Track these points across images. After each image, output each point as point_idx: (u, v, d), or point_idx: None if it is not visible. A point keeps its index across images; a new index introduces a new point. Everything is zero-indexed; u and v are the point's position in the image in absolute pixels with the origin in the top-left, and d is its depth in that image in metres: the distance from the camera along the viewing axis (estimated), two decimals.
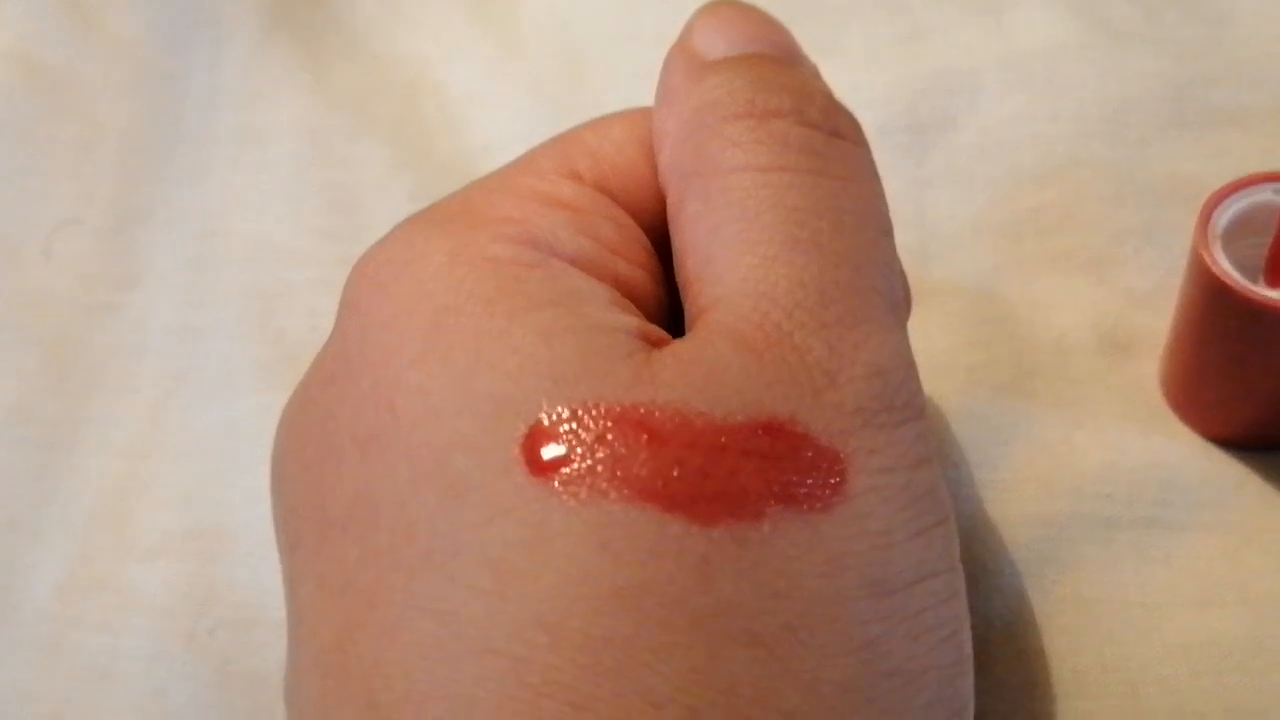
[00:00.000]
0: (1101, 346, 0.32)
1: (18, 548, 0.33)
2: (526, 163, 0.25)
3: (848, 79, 0.38)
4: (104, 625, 0.31)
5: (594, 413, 0.20)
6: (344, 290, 0.24)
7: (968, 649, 0.21)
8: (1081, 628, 0.28)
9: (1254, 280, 0.28)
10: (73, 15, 0.43)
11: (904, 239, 0.35)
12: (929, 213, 0.36)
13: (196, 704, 0.30)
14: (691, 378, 0.20)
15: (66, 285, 0.38)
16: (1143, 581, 0.29)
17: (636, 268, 0.24)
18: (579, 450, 0.20)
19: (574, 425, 0.20)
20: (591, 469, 0.19)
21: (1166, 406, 0.31)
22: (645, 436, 0.20)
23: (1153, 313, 0.32)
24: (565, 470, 0.19)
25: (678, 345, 0.21)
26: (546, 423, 0.20)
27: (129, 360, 0.36)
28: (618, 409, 0.20)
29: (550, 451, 0.20)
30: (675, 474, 0.19)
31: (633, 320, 0.22)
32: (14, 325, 0.37)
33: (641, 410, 0.20)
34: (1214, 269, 0.28)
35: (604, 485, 0.19)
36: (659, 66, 0.27)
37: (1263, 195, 0.29)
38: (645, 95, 0.27)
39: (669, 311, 0.24)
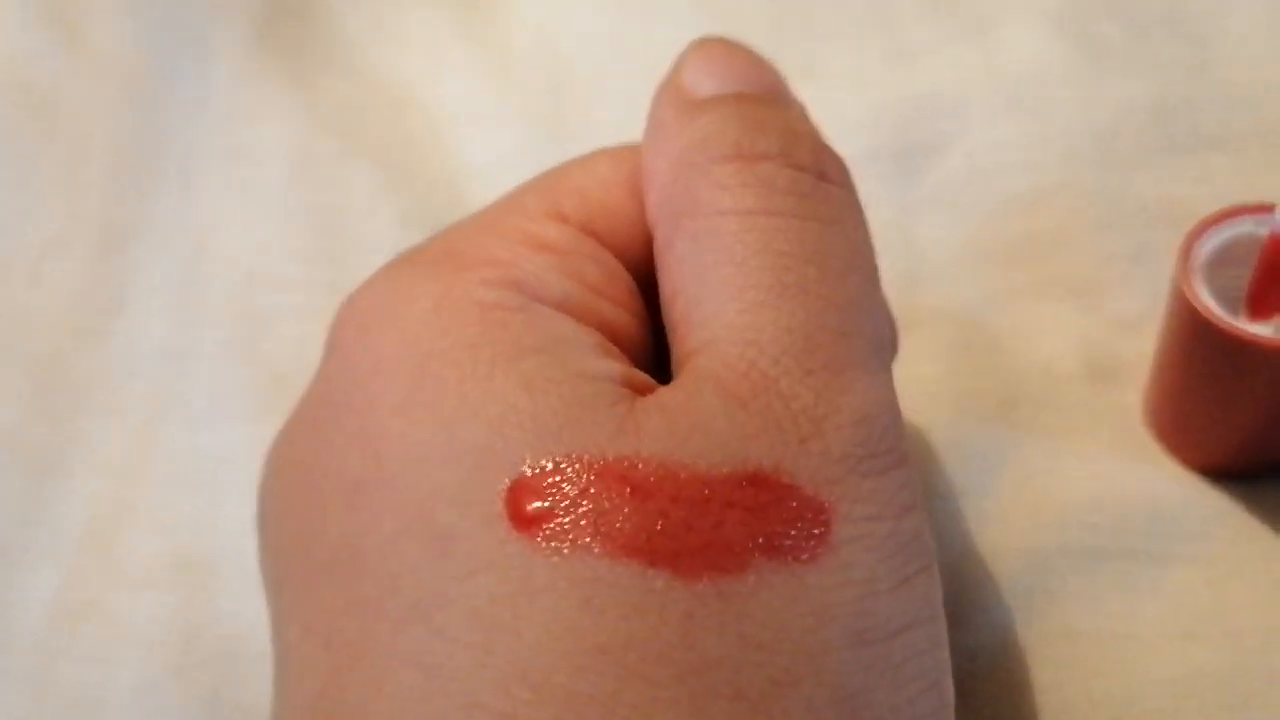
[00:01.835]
0: (1088, 374, 0.33)
1: (5, 575, 0.33)
2: (513, 201, 0.25)
3: (834, 103, 0.38)
4: (93, 655, 0.31)
5: (577, 465, 0.20)
6: (330, 332, 0.24)
7: (949, 696, 0.21)
8: (1067, 659, 0.28)
9: (1235, 312, 0.28)
10: (60, 34, 0.43)
11: (892, 266, 0.35)
12: (917, 239, 0.36)
13: None
14: (676, 429, 0.20)
15: (54, 308, 0.38)
16: (1127, 613, 0.29)
17: (621, 309, 0.24)
18: (563, 504, 0.20)
19: (557, 478, 0.20)
20: (575, 523, 0.19)
21: (1151, 436, 0.31)
22: (629, 490, 0.20)
23: (1139, 339, 0.33)
24: (549, 525, 0.19)
25: (663, 394, 0.21)
26: (530, 475, 0.20)
27: (117, 384, 0.36)
28: (601, 462, 0.20)
29: (534, 505, 0.20)
30: (659, 528, 0.19)
31: (617, 366, 0.22)
32: (1, 349, 0.37)
33: (625, 463, 0.20)
34: (1194, 303, 0.28)
35: (587, 539, 0.19)
36: (647, 87, 0.27)
37: (1244, 227, 0.29)
38: (634, 116, 0.27)
39: (654, 352, 0.25)
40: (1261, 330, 0.28)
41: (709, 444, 0.20)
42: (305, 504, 0.22)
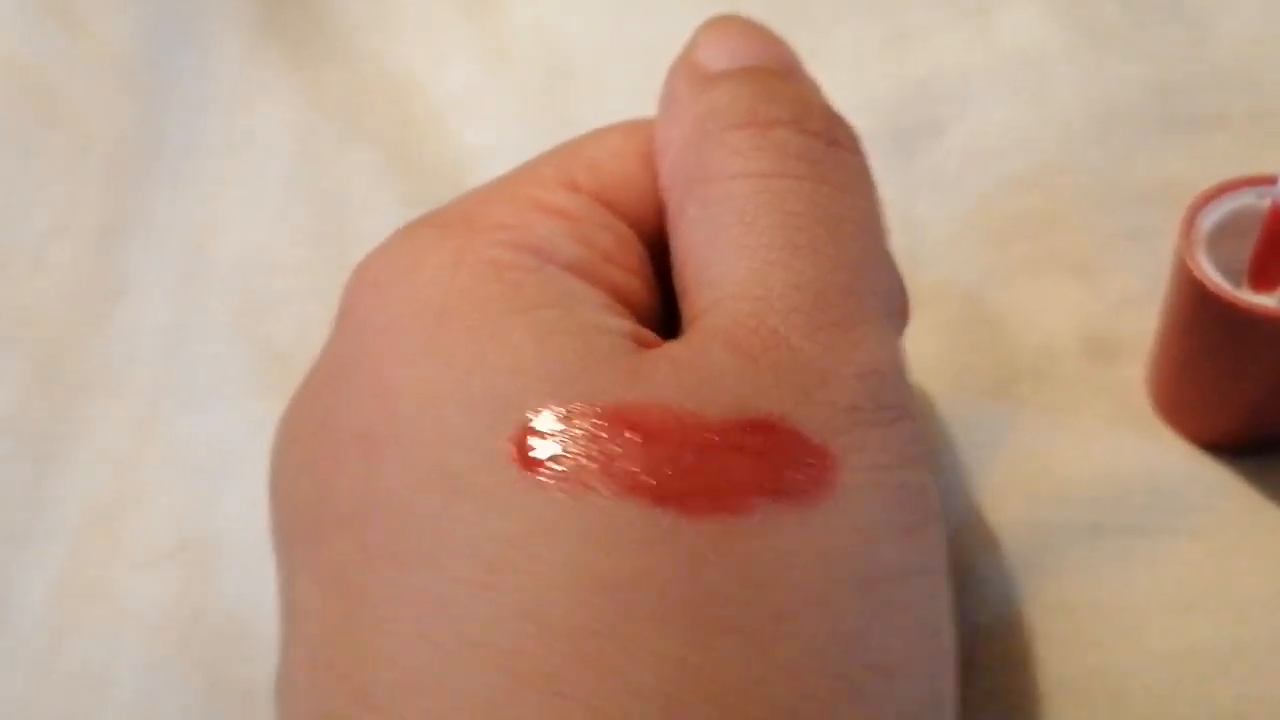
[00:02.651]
0: (1087, 350, 0.33)
1: (10, 557, 0.33)
2: (526, 171, 0.25)
3: (836, 83, 0.38)
4: (97, 635, 0.31)
5: (586, 411, 0.20)
6: (343, 295, 0.24)
7: (949, 645, 0.21)
8: (1067, 633, 0.28)
9: (1238, 284, 0.28)
10: (60, 22, 0.43)
11: (892, 244, 0.35)
12: (916, 217, 0.36)
13: (189, 715, 0.30)
14: (684, 380, 0.21)
15: (56, 293, 0.38)
16: (1127, 587, 0.29)
17: (631, 275, 0.24)
18: (571, 448, 0.20)
19: (568, 424, 0.20)
20: (583, 466, 0.20)
21: (1152, 411, 0.31)
22: (636, 434, 0.20)
23: (1139, 316, 0.33)
24: (557, 467, 0.20)
25: (671, 347, 0.21)
26: (540, 420, 0.20)
27: (119, 367, 0.36)
28: (610, 408, 0.20)
29: (543, 448, 0.20)
30: (666, 470, 0.20)
31: (626, 323, 0.22)
32: (4, 335, 0.37)
33: (635, 410, 0.20)
34: (1197, 274, 0.28)
35: (594, 481, 0.20)
36: (646, 73, 0.27)
37: (1246, 199, 0.29)
38: (633, 101, 0.27)
39: (663, 319, 0.25)
40: (1264, 302, 0.28)
41: (717, 394, 0.20)
42: (319, 460, 0.23)
